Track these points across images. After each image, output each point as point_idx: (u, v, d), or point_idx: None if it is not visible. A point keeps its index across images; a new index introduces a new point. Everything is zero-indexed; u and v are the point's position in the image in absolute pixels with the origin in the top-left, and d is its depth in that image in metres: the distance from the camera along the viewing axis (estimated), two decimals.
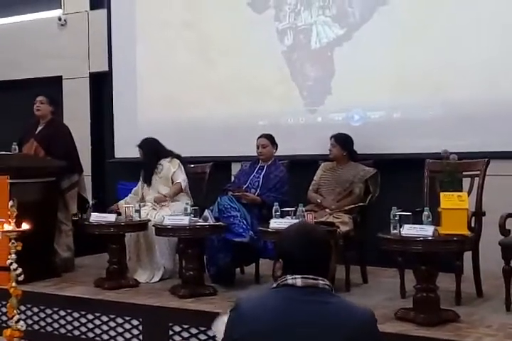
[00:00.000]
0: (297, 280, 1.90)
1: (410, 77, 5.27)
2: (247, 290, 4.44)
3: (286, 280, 1.92)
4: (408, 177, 4.96)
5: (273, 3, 5.94)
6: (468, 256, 4.19)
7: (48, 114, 5.49)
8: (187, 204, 4.57)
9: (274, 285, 1.96)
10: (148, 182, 5.21)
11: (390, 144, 5.31)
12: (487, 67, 4.96)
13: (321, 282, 1.91)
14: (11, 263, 4.07)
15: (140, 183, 5.34)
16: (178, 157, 5.21)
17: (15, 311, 4.11)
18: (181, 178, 5.10)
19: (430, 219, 3.66)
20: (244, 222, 4.55)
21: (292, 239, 1.97)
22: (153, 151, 5.23)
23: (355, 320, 1.86)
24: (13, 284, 4.08)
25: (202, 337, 3.91)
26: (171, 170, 5.13)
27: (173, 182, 5.13)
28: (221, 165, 5.67)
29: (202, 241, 4.53)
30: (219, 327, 2.55)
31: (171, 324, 4.02)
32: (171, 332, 4.01)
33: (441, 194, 3.72)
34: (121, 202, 5.25)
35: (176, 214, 4.63)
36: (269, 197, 4.75)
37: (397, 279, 4.27)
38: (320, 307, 1.86)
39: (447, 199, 3.63)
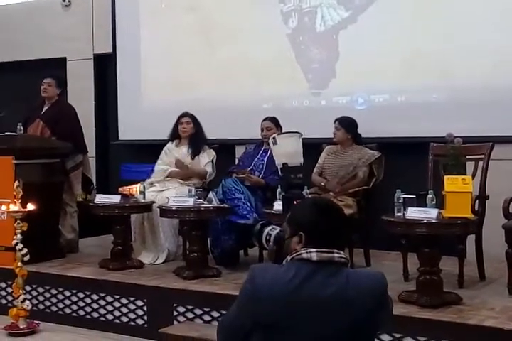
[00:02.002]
0: (312, 254, 1.88)
1: (415, 61, 5.25)
2: None
3: (300, 254, 1.90)
4: (412, 161, 4.97)
5: None
6: (471, 239, 4.21)
7: (54, 95, 5.50)
8: (191, 185, 4.59)
9: (289, 258, 1.94)
10: (197, 153, 5.14)
11: (394, 128, 5.30)
12: (493, 51, 4.94)
13: (336, 255, 1.89)
14: (16, 244, 4.12)
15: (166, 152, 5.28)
16: (211, 148, 5.23)
17: (20, 291, 4.17)
18: (210, 171, 5.10)
19: (434, 202, 3.67)
20: (249, 204, 4.57)
21: (315, 211, 1.95)
22: (202, 130, 5.24)
23: (368, 291, 1.86)
24: (19, 264, 4.13)
25: (206, 317, 3.95)
26: (204, 159, 5.13)
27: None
28: (225, 147, 5.67)
29: (206, 223, 4.55)
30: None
31: (175, 304, 4.06)
32: (175, 313, 4.05)
33: (445, 177, 3.72)
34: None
35: (181, 195, 4.64)
36: (273, 179, 4.75)
37: (401, 262, 4.29)
38: (334, 282, 1.85)
39: (451, 183, 3.63)
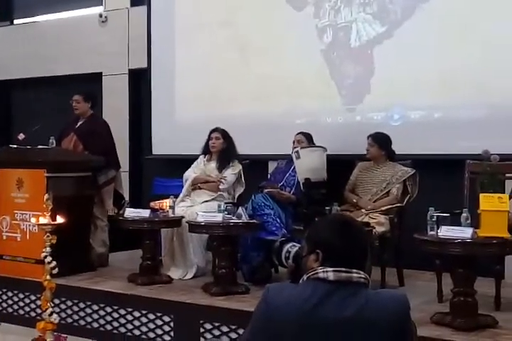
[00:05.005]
0: (329, 273, 1.79)
1: (452, 76, 5.15)
2: None
3: (317, 273, 1.81)
4: (447, 178, 4.85)
5: (312, 0, 5.87)
6: (509, 260, 4.07)
7: (86, 110, 5.54)
8: (220, 201, 4.54)
9: (305, 277, 1.85)
10: (223, 167, 5.10)
11: (429, 144, 5.19)
12: None
13: (355, 275, 1.80)
14: (45, 256, 4.11)
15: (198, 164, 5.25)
16: (241, 163, 5.17)
17: (48, 304, 4.14)
18: (227, 180, 5.02)
19: (469, 221, 3.55)
20: (278, 220, 4.51)
21: (333, 228, 1.87)
22: (234, 145, 5.18)
23: (388, 315, 1.77)
24: (47, 277, 4.11)
25: (233, 335, 3.87)
26: (229, 171, 5.08)
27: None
28: (258, 163, 5.62)
29: (235, 239, 4.50)
30: None
31: (202, 321, 4.00)
32: (202, 330, 3.99)
33: (481, 195, 3.60)
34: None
35: (210, 211, 4.60)
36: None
37: (435, 282, 4.18)
38: (352, 304, 1.76)
39: (487, 201, 3.52)
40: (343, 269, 1.80)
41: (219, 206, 4.46)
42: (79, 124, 5.53)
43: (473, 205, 3.85)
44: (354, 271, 1.81)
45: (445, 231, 3.49)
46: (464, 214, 3.58)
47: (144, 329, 4.24)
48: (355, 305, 1.76)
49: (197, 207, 4.91)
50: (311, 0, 5.88)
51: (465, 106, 5.12)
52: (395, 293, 1.89)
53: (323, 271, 1.81)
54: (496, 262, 4.01)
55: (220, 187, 5.03)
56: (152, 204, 5.29)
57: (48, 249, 4.08)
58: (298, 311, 1.76)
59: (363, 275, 1.82)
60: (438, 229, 3.54)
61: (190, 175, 5.19)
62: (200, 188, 5.11)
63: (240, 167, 5.12)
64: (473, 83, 5.07)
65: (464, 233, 3.44)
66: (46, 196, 4.18)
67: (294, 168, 4.90)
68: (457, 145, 5.05)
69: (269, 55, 6.05)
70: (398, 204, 4.60)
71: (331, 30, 5.77)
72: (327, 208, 4.10)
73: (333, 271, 1.80)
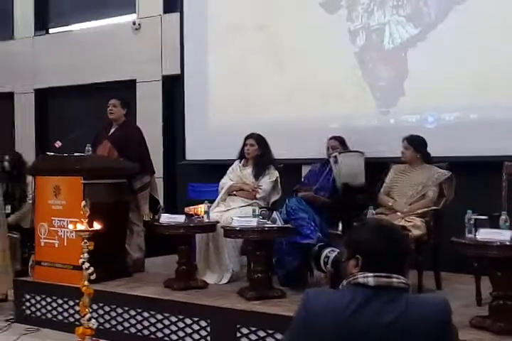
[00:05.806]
0: (369, 278, 1.78)
1: (487, 77, 5.08)
2: None
3: (357, 278, 1.80)
4: (485, 181, 4.79)
5: (345, 3, 5.85)
6: None
7: (121, 116, 5.57)
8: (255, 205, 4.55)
9: (344, 283, 1.84)
10: (259, 175, 5.09)
11: (466, 146, 5.13)
12: None
13: (395, 280, 1.78)
14: (83, 263, 4.16)
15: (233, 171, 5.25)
16: (277, 169, 5.13)
17: (87, 309, 4.19)
18: (264, 188, 5.01)
19: (508, 224, 3.50)
20: (313, 224, 4.48)
21: (373, 234, 1.87)
22: (269, 150, 5.17)
23: (429, 321, 1.74)
24: (86, 283, 4.16)
25: (270, 340, 3.87)
26: (266, 179, 5.06)
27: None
28: (292, 167, 5.61)
29: (270, 244, 4.49)
30: None
31: (238, 326, 4.00)
32: (238, 334, 3.99)
33: None
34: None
35: (245, 215, 4.60)
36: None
37: (473, 286, 4.11)
38: (392, 309, 1.74)
39: None
40: (384, 274, 1.79)
41: (253, 211, 4.46)
42: (112, 131, 5.57)
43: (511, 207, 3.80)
44: (394, 275, 1.79)
45: (483, 234, 3.44)
46: (502, 217, 3.54)
47: (181, 334, 4.26)
48: (396, 311, 1.75)
49: (232, 211, 4.92)
50: (344, 3, 5.87)
51: (501, 106, 5.05)
52: (436, 297, 1.86)
53: (363, 277, 1.80)
54: None
55: (257, 196, 5.02)
56: (187, 209, 5.31)
57: (86, 255, 4.14)
58: (338, 317, 1.76)
59: (403, 280, 1.80)
60: (476, 231, 3.50)
61: (226, 182, 5.19)
62: (235, 195, 5.12)
63: (277, 174, 5.09)
64: (509, 83, 5.00)
65: (503, 236, 3.38)
66: (83, 203, 4.23)
67: (329, 171, 4.89)
68: (494, 147, 4.98)
69: (302, 59, 6.05)
70: (434, 207, 4.54)
71: (364, 33, 5.75)
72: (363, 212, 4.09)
73: (374, 276, 1.79)
